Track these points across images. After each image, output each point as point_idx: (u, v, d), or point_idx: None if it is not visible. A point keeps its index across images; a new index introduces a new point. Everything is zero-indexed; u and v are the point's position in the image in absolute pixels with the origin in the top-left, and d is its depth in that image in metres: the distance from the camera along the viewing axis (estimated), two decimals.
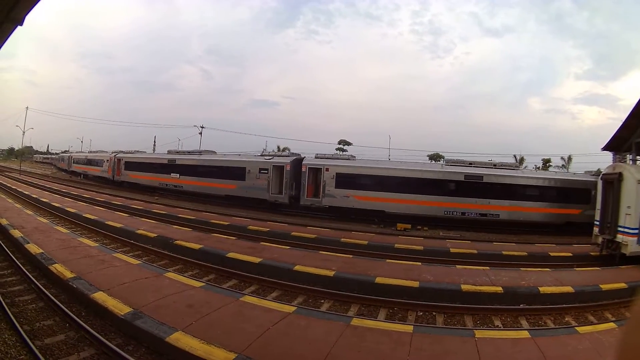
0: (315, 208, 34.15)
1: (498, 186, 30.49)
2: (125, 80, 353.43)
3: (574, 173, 33.13)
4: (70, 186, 50.06)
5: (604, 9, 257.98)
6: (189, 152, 47.15)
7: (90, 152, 76.44)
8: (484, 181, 30.67)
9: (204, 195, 40.89)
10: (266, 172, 35.61)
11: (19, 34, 10.89)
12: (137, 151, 56.67)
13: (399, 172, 32.55)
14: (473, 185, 30.66)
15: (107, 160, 56.39)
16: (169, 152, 49.98)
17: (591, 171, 33.78)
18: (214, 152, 46.33)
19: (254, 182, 36.33)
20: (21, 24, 9.72)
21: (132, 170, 50.87)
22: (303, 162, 34.67)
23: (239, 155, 41.21)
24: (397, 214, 31.26)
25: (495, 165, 33.05)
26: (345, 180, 32.83)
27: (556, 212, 29.89)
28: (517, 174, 31.59)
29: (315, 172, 33.82)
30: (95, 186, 52.08)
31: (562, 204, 29.95)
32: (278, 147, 70.21)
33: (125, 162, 52.21)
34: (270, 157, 36.99)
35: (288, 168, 34.60)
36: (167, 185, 45.08)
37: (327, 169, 33.25)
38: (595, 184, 28.72)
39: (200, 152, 46.29)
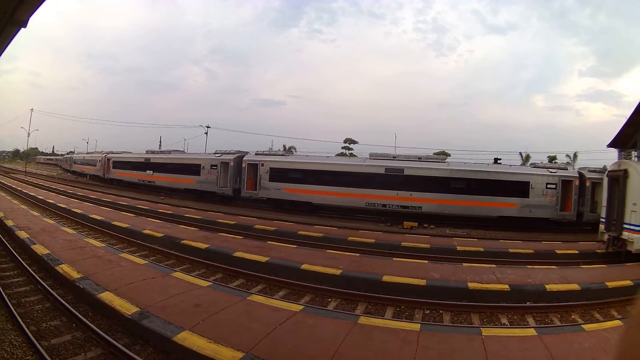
0: (253, 199, 37.96)
1: (420, 179, 31.33)
2: (130, 81, 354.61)
3: (511, 166, 33.32)
4: (75, 187, 50.67)
5: (607, 5, 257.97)
6: (161, 152, 52.97)
7: (88, 153, 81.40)
8: (404, 174, 31.65)
9: (172, 190, 46.34)
10: (216, 168, 40.00)
11: (22, 36, 10.88)
12: (124, 151, 60.60)
13: (324, 166, 35.26)
14: (394, 178, 31.77)
15: (100, 160, 62.01)
16: (147, 151, 54.14)
17: (535, 163, 34.24)
18: (182, 151, 53.14)
19: (206, 177, 40.88)
20: (25, 26, 9.71)
21: (118, 168, 56.52)
22: (244, 159, 38.20)
23: (198, 154, 47.50)
24: (323, 205, 34.28)
25: (419, 158, 33.77)
26: (278, 174, 35.91)
27: (486, 205, 30.27)
28: (441, 166, 32.09)
29: (254, 167, 37.03)
30: (101, 187, 52.72)
31: (494, 197, 30.16)
32: (284, 147, 70.78)
33: (113, 161, 57.78)
34: (220, 155, 41.09)
35: (232, 164, 38.72)
36: (143, 181, 50.26)
37: (262, 164, 36.55)
38: (534, 176, 29.72)
39: (169, 152, 51.97)
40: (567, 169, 32.04)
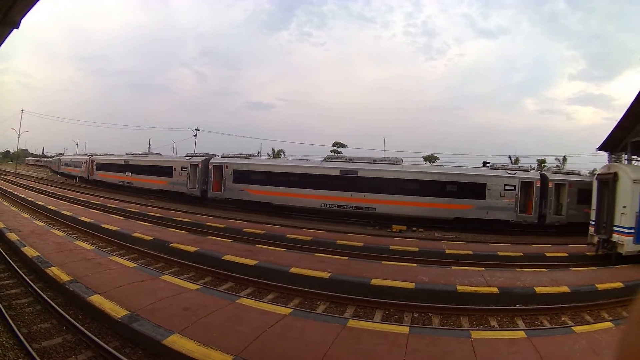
0: (219, 200, 39.41)
1: (373, 180, 32.37)
2: (121, 83, 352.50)
3: (467, 167, 33.66)
4: (65, 189, 50.44)
5: (598, 9, 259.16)
6: (139, 154, 53.49)
7: (75, 155, 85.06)
8: (359, 176, 32.61)
9: (148, 190, 47.35)
10: (186, 170, 41.77)
11: (14, 37, 10.85)
12: (107, 154, 62.35)
13: (283, 168, 36.98)
14: (348, 180, 32.83)
15: (84, 162, 63.74)
16: (127, 154, 55.26)
17: (495, 165, 33.87)
18: (159, 154, 53.80)
19: (178, 178, 42.71)
20: (17, 27, 9.70)
21: (100, 170, 58.33)
22: (210, 161, 40.11)
23: (172, 156, 50.48)
24: (282, 206, 35.39)
25: (374, 160, 35.03)
26: (241, 176, 37.59)
27: (441, 206, 30.56)
28: (395, 168, 32.74)
29: (220, 169, 38.83)
30: (90, 189, 52.65)
31: (449, 198, 30.62)
32: (273, 150, 71.00)
33: (96, 163, 59.66)
34: (190, 158, 43.29)
35: (200, 166, 40.58)
36: (122, 182, 52.16)
37: (227, 167, 38.33)
38: (490, 178, 29.84)
39: (146, 154, 53.42)
40: (528, 171, 31.91)
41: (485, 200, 29.66)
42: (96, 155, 63.31)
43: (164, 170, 44.76)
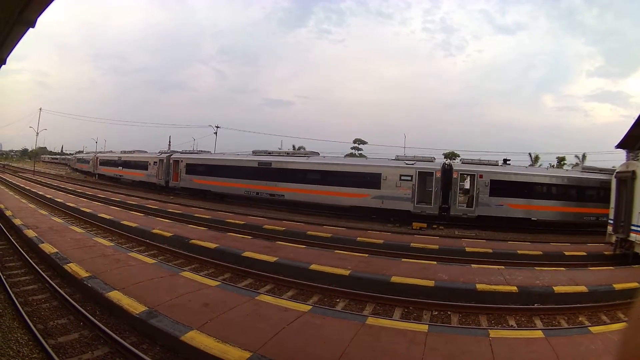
0: (177, 189, 46.61)
1: (283, 171, 36.63)
2: (139, 81, 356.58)
3: (367, 158, 39.41)
4: (84, 186, 51.76)
5: (614, 5, 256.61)
6: (129, 152, 63.40)
7: (86, 153, 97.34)
8: (272, 167, 37.30)
9: (130, 182, 57.51)
10: (156, 164, 49.44)
11: (30, 36, 10.89)
12: (110, 151, 75.07)
13: (217, 161, 43.23)
14: (264, 171, 37.62)
15: (92, 159, 75.28)
16: (121, 151, 66.31)
17: (398, 156, 34.09)
18: (145, 151, 60.37)
19: (151, 171, 50.90)
20: (33, 26, 9.71)
21: (102, 165, 68.73)
22: (172, 157, 47.61)
23: (150, 153, 56.69)
24: (217, 193, 42.05)
25: (287, 153, 40.79)
26: (190, 168, 44.69)
27: (338, 195, 32.96)
28: (301, 160, 36.89)
29: (177, 163, 46.03)
30: (111, 187, 54.54)
31: (346, 187, 32.56)
32: (293, 147, 72.44)
33: (99, 159, 70.55)
34: (160, 154, 51.15)
35: (164, 161, 47.80)
36: (116, 175, 62.06)
37: (181, 161, 45.78)
38: (385, 168, 30.96)
39: (133, 151, 62.24)
40: (431, 162, 31.64)
41: (380, 190, 30.81)
42: (100, 153, 77.26)
43: (142, 165, 53.39)
